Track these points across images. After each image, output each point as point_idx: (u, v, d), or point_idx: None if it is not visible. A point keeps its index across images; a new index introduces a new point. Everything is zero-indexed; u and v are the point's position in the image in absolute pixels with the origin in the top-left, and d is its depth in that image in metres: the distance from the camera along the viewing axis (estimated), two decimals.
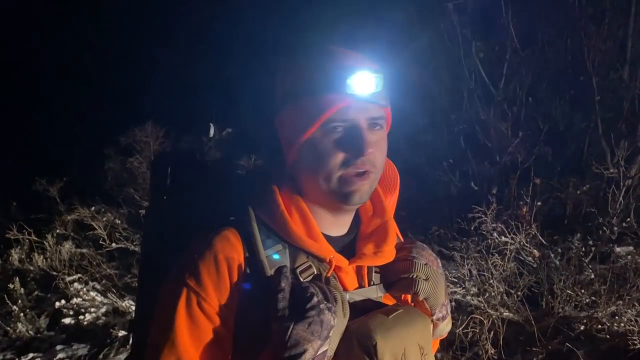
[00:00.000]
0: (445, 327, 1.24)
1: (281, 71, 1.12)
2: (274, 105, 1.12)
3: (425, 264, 1.14)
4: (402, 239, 1.29)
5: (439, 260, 1.19)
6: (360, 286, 1.14)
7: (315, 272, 1.07)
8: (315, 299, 0.94)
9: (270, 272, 1.02)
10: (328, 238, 1.11)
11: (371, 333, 0.97)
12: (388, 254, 1.15)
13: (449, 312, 1.23)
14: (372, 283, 1.15)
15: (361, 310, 1.07)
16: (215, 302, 1.00)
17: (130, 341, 1.30)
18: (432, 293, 1.14)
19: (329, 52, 1.09)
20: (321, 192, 1.08)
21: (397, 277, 1.15)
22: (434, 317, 1.18)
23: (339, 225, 1.16)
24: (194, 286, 1.00)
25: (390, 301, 1.17)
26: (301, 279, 1.05)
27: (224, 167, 1.25)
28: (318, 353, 0.93)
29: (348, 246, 1.16)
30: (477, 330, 3.48)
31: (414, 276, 1.12)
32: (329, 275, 1.07)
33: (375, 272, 1.17)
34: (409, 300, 1.18)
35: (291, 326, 0.92)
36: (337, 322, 0.97)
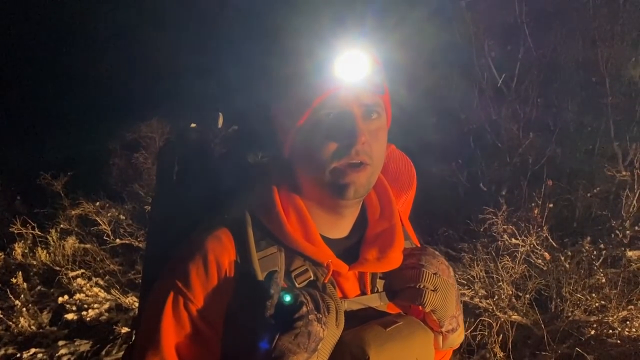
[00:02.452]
0: (457, 338, 1.17)
1: (272, 57, 1.08)
2: (270, 94, 1.09)
3: (435, 274, 1.07)
4: (417, 244, 1.23)
5: (450, 270, 1.12)
6: (362, 293, 1.08)
7: (312, 277, 1.01)
8: (304, 309, 0.90)
9: (261, 276, 0.97)
10: (327, 240, 1.06)
11: (364, 346, 0.93)
12: (393, 260, 1.08)
13: (461, 323, 1.16)
14: (375, 290, 1.09)
15: (361, 319, 1.02)
16: (203, 305, 0.96)
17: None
18: (440, 305, 1.07)
19: (316, 35, 1.04)
20: (315, 185, 1.03)
21: (403, 286, 1.09)
22: (443, 329, 1.11)
23: (339, 226, 1.10)
24: (181, 287, 0.96)
25: (394, 310, 1.11)
26: (296, 284, 1.00)
27: (229, 162, 1.20)
28: None
29: (351, 250, 1.09)
30: (486, 333, 3.44)
31: (421, 286, 1.06)
32: (326, 280, 1.02)
33: (380, 278, 1.11)
34: (420, 309, 1.11)
35: (276, 336, 0.88)
36: (327, 334, 0.92)
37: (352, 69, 0.97)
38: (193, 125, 1.23)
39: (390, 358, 0.95)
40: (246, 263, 0.99)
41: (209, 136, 1.24)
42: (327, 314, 0.92)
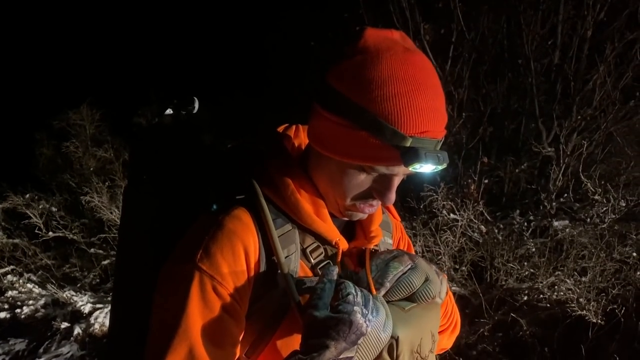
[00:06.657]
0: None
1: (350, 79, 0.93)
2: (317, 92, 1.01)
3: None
4: (396, 216, 1.32)
5: (440, 273, 1.16)
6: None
7: (323, 253, 1.06)
8: (350, 298, 0.91)
9: (282, 254, 0.99)
10: (332, 219, 1.10)
11: (393, 328, 0.96)
12: (377, 233, 1.15)
13: None
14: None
15: None
16: (232, 287, 0.95)
17: (109, 326, 1.23)
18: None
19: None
20: (328, 195, 1.07)
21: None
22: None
23: None
24: (207, 269, 0.94)
25: None
26: (312, 260, 1.04)
27: (210, 144, 1.19)
28: (341, 356, 0.86)
29: (345, 227, 1.16)
30: None
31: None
32: (339, 259, 1.06)
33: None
34: None
35: (318, 317, 0.88)
36: (372, 335, 0.91)
37: (430, 167, 0.94)
38: (169, 110, 1.21)
39: (413, 334, 0.99)
40: (267, 242, 1.00)
41: (184, 121, 1.22)
42: (376, 315, 0.92)
